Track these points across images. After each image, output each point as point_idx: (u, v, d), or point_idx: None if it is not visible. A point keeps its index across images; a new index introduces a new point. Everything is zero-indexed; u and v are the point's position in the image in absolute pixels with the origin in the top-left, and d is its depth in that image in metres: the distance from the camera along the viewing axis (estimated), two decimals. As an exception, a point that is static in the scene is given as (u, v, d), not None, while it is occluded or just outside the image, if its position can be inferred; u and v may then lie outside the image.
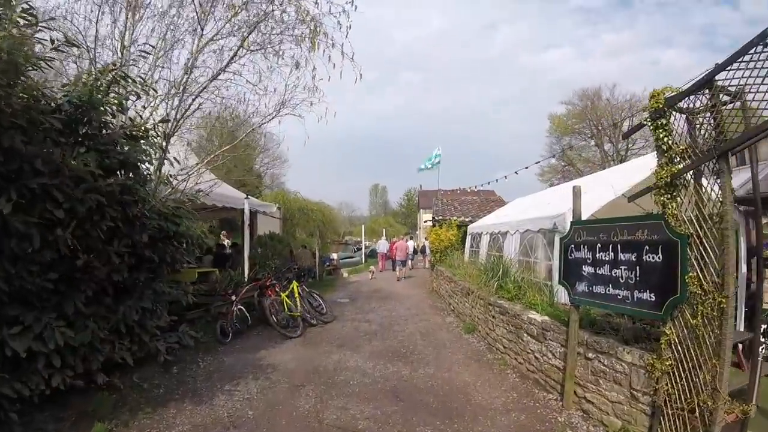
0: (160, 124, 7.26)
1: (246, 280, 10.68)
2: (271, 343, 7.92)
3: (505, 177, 16.33)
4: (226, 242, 14.26)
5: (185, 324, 6.94)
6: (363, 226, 35.05)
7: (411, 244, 26.54)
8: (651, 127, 4.35)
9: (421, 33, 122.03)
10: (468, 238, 13.82)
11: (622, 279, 4.29)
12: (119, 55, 6.73)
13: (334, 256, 22.27)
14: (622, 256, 4.31)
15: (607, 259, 4.46)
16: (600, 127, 44.15)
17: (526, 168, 15.86)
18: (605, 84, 46.30)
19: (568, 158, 47.29)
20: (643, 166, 7.86)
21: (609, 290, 4.44)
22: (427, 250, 23.77)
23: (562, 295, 6.62)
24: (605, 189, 7.35)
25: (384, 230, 41.28)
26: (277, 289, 9.26)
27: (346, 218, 75.66)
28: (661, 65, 68.87)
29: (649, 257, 4.02)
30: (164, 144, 7.40)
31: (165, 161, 7.43)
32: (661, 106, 4.23)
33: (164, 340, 6.09)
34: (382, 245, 25.53)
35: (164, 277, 6.56)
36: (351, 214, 77.64)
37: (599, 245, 4.55)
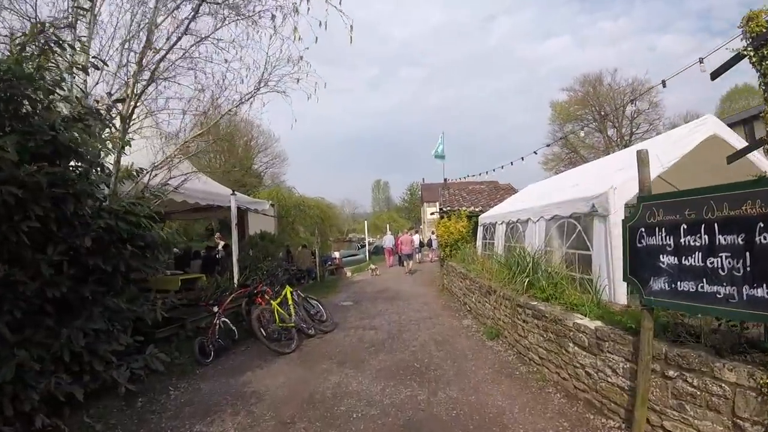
0: (117, 104, 6.10)
1: (236, 286, 9.54)
2: (259, 361, 6.72)
3: (511, 163, 15.12)
4: (220, 245, 13.13)
5: (154, 345, 5.78)
6: (366, 222, 33.73)
7: (417, 237, 26.21)
8: (754, 59, 3.13)
9: (421, 28, 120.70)
10: (480, 230, 12.58)
11: (723, 271, 3.05)
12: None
13: (337, 254, 21.08)
14: (721, 240, 3.06)
15: (697, 244, 3.22)
16: (602, 113, 42.98)
17: (535, 153, 14.66)
18: (606, 69, 45.29)
19: (571, 145, 46.34)
20: (681, 138, 6.64)
21: (702, 287, 3.19)
22: (434, 244, 24.18)
23: (612, 293, 5.39)
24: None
25: (387, 225, 40.11)
26: (267, 297, 8.06)
27: (349, 215, 74.70)
28: (658, 51, 67.66)
29: (764, 238, 2.79)
30: (122, 129, 6.21)
31: (124, 150, 6.28)
32: (765, 30, 3.03)
33: (126, 367, 4.94)
34: (388, 240, 24.64)
35: (124, 291, 5.41)
36: (354, 211, 76.59)
37: (685, 226, 3.30)
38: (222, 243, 13.00)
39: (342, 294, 13.96)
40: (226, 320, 7.55)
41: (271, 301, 7.80)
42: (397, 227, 39.80)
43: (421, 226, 59.14)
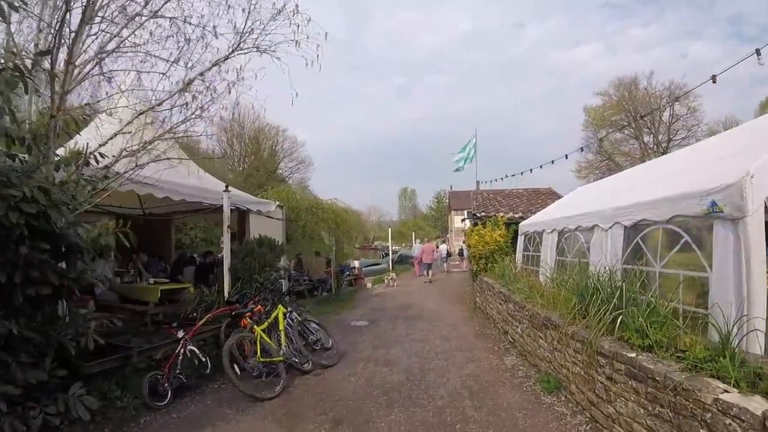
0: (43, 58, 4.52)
1: (225, 299, 7.89)
2: (229, 410, 4.94)
3: (540, 167, 13.20)
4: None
5: (84, 382, 4.15)
6: (390, 229, 31.79)
7: (444, 247, 26.37)
8: None
9: (448, 36, 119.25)
10: (520, 239, 10.54)
11: None
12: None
13: (356, 263, 19.29)
14: None
15: None
16: (639, 117, 39.92)
17: (566, 156, 12.72)
18: (642, 72, 42.59)
19: (606, 152, 43.79)
20: None
21: None
22: (465, 253, 22.56)
23: (744, 337, 3.39)
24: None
25: (413, 233, 38.20)
26: (254, 317, 6.32)
27: (375, 223, 73.01)
28: (690, 58, 64.04)
29: None
30: (53, 91, 4.58)
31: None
32: None
33: (40, 411, 3.38)
34: (417, 249, 22.77)
35: (22, 309, 3.81)
36: (380, 219, 75.17)
37: None
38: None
39: (357, 310, 12.13)
40: (194, 349, 5.80)
41: (255, 326, 6.03)
42: (423, 235, 37.84)
43: (448, 235, 56.95)
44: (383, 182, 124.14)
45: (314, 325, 7.41)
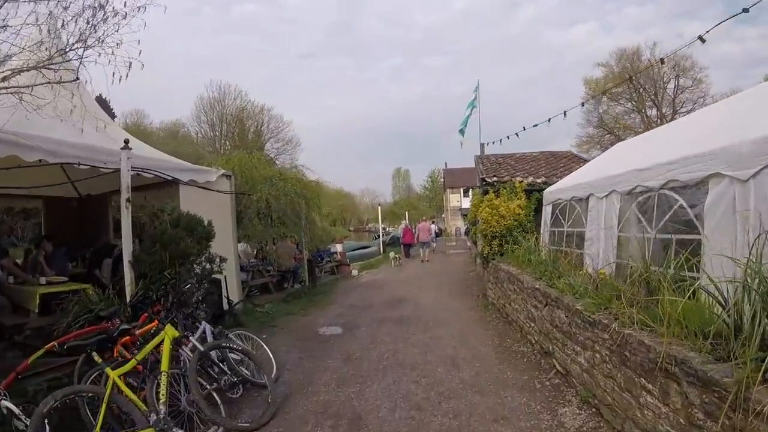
0: None
1: (128, 302, 5.21)
2: None
3: (549, 120, 10.32)
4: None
5: None
6: (380, 208, 28.77)
7: (433, 227, 25.02)
8: None
9: (444, 15, 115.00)
10: (546, 212, 7.72)
11: None
12: None
13: (339, 247, 16.46)
14: None
15: None
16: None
17: (564, 114, 9.80)
18: (645, 43, 39.81)
19: (607, 126, 41.43)
20: None
21: None
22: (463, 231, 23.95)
23: None
24: None
25: (407, 213, 35.43)
26: (136, 343, 3.55)
27: (369, 205, 69.97)
28: (686, 38, 61.40)
29: None
30: None
31: None
32: None
33: None
34: (401, 229, 21.30)
35: None
36: (374, 200, 72.69)
37: None
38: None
39: (333, 308, 9.37)
40: (12, 407, 3.03)
41: (107, 369, 3.24)
42: (418, 215, 35.13)
43: (443, 215, 54.11)
44: (378, 164, 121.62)
45: (242, 350, 4.64)
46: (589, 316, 3.74)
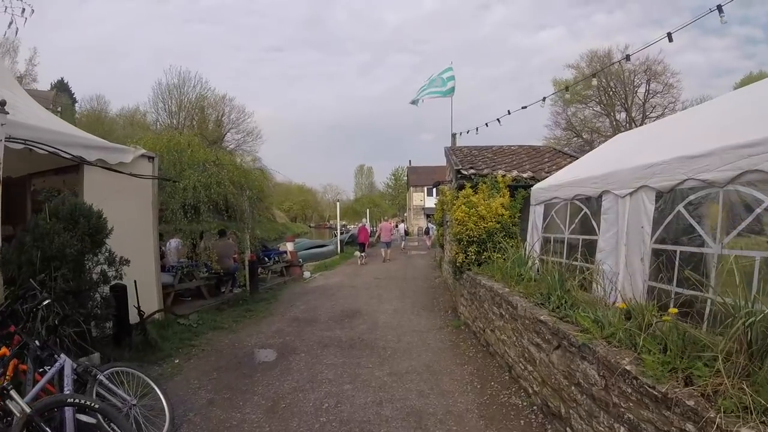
0: None
1: None
2: None
3: (524, 107, 9.05)
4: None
5: None
6: (338, 204, 26.79)
7: (402, 226, 25.79)
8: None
9: (413, 14, 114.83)
10: (536, 213, 6.26)
11: None
12: None
13: (289, 246, 14.60)
14: None
15: None
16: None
17: (543, 99, 8.65)
18: (616, 46, 40.02)
19: (575, 128, 41.43)
20: None
21: None
22: (432, 231, 23.41)
23: None
24: None
25: (368, 211, 33.77)
26: None
27: (331, 201, 67.78)
28: (654, 46, 63.86)
29: None
30: None
31: None
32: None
33: None
34: (356, 229, 20.94)
35: None
36: (336, 197, 71.40)
37: None
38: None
39: (271, 322, 7.63)
40: None
41: None
42: (379, 213, 33.62)
43: (406, 214, 52.71)
44: (342, 160, 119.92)
45: (85, 418, 2.87)
46: (652, 387, 2.23)
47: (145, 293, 6.80)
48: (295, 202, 67.11)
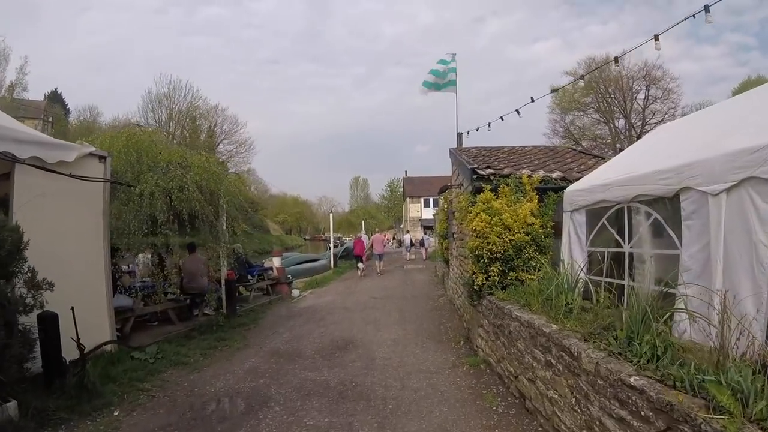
0: None
1: None
2: None
3: (501, 118, 7.94)
4: None
5: None
6: (331, 216, 25.36)
7: (408, 236, 26.02)
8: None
9: (409, 27, 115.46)
10: (574, 221, 4.94)
11: None
12: None
13: (276, 262, 13.18)
14: None
15: None
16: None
17: (532, 100, 7.60)
18: (614, 52, 39.49)
19: (573, 136, 40.50)
20: None
21: None
22: (428, 243, 25.47)
23: None
24: None
25: (363, 222, 32.44)
26: None
27: (326, 213, 66.49)
28: (648, 54, 64.98)
29: None
30: None
31: None
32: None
33: None
34: (352, 242, 19.81)
35: None
36: (332, 209, 70.52)
37: None
38: None
39: (244, 357, 6.21)
40: None
41: None
42: (375, 225, 32.32)
43: (401, 225, 51.20)
44: (338, 172, 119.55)
45: None
46: None
47: (92, 320, 5.51)
48: (289, 214, 65.81)
